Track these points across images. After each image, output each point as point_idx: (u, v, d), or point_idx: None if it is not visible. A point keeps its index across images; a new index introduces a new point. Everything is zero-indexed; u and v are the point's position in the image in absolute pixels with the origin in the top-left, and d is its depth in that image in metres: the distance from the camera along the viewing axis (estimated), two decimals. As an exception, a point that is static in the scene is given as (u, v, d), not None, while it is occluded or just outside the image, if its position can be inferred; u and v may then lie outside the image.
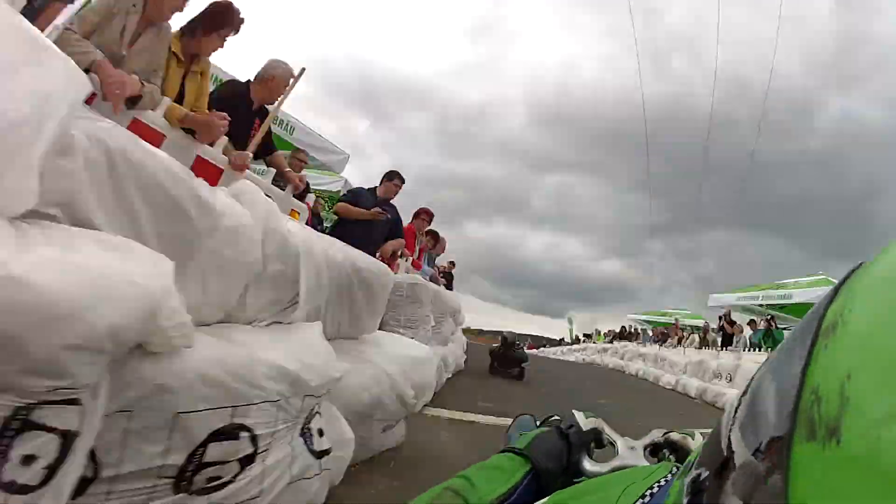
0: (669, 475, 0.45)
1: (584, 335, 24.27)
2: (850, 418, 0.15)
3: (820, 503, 0.16)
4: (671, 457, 0.71)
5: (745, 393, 0.23)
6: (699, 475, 0.24)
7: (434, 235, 6.10)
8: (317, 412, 1.56)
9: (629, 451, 0.69)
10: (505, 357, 6.62)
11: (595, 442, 0.73)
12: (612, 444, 0.72)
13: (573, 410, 0.75)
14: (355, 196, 4.13)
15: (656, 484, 0.43)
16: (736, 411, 0.23)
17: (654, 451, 0.73)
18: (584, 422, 0.72)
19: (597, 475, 0.63)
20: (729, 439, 0.22)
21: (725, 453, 0.21)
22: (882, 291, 0.18)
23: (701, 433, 0.71)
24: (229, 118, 1.99)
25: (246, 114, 2.54)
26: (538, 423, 1.40)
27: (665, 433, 0.73)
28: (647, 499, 0.41)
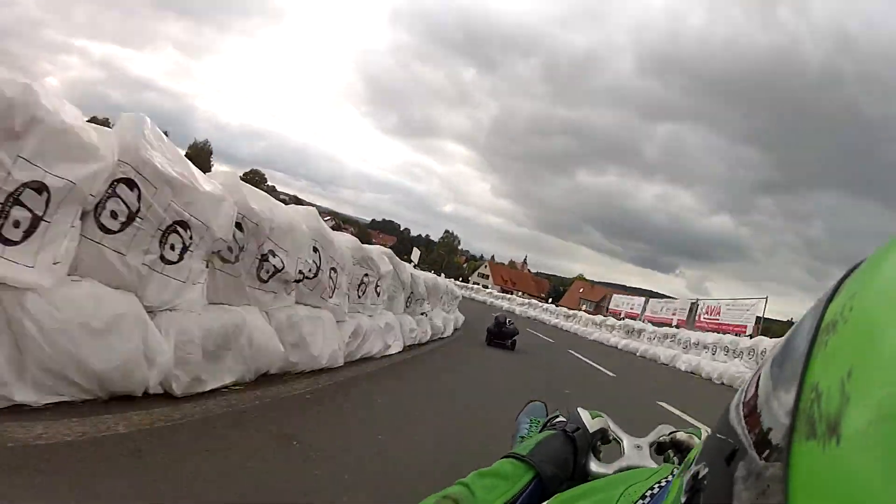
0: (670, 476, 0.44)
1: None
2: (851, 416, 0.15)
3: (820, 503, 0.15)
4: (675, 458, 0.70)
5: (754, 384, 0.22)
6: (698, 472, 0.24)
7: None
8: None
9: (635, 451, 0.69)
10: (500, 333, 7.51)
11: (601, 440, 0.72)
12: (618, 441, 0.71)
13: (578, 409, 0.73)
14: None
15: (657, 484, 0.42)
16: (745, 401, 0.22)
17: (660, 449, 0.71)
18: (591, 422, 0.70)
19: (603, 476, 0.61)
20: (736, 427, 0.21)
21: (732, 444, 0.21)
22: (884, 289, 0.18)
23: (707, 431, 0.77)
24: None
25: None
26: (548, 412, 1.19)
27: (671, 432, 0.71)
28: (647, 499, 0.40)
